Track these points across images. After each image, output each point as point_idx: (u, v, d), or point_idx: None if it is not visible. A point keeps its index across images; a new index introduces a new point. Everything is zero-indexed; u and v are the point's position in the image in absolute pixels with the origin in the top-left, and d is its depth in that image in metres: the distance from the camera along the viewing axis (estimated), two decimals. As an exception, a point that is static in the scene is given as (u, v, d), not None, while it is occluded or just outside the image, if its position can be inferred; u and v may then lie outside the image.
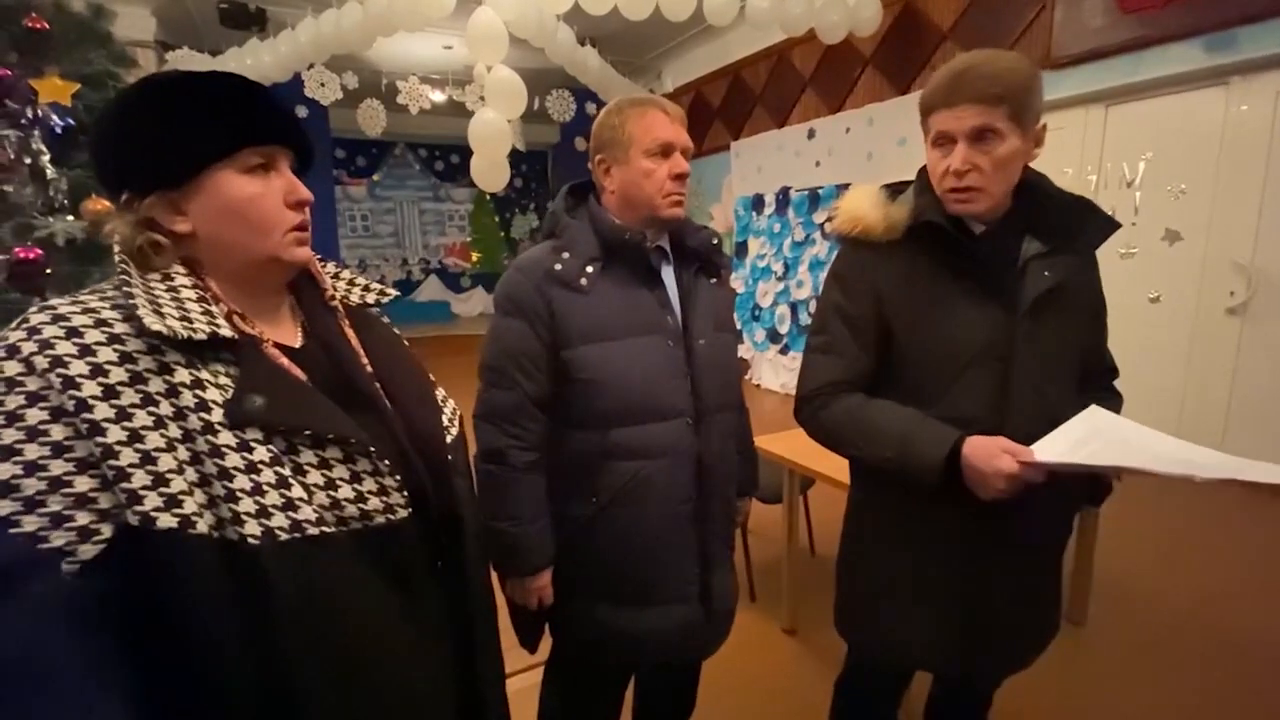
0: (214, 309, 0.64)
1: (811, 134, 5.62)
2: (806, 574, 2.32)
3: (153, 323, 0.58)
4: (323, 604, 0.62)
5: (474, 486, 0.87)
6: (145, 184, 0.65)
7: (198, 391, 0.60)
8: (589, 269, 1.12)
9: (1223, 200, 3.42)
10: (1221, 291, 3.45)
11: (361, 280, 0.86)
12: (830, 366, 1.12)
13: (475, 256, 11.25)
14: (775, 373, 5.97)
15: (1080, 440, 0.95)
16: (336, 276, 0.84)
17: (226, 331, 0.63)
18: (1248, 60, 3.21)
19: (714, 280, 1.26)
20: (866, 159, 5.08)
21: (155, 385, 0.58)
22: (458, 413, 0.88)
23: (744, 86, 6.46)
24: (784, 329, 5.93)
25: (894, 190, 1.11)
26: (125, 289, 0.60)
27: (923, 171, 1.08)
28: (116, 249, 0.64)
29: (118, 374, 0.57)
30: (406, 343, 0.88)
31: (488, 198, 10.82)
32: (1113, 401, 1.14)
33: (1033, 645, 1.18)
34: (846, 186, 5.19)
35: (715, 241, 1.24)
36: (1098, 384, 1.15)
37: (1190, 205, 3.55)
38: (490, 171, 4.55)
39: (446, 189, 10.90)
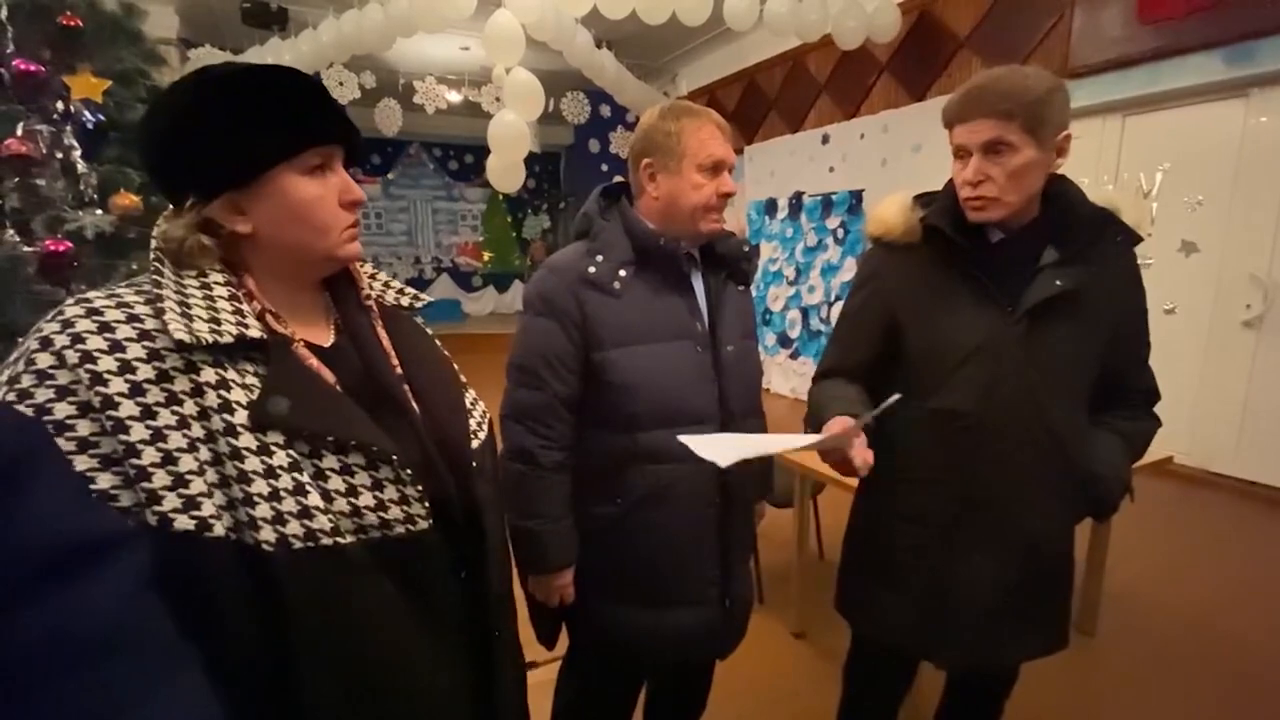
0: (245, 308, 0.64)
1: (826, 139, 5.62)
2: (816, 578, 2.32)
3: (177, 330, 0.57)
4: (337, 612, 0.62)
5: (498, 491, 0.87)
6: (213, 187, 0.64)
7: (222, 392, 0.59)
8: (622, 273, 1.13)
9: (1240, 212, 3.41)
10: (1237, 304, 3.44)
11: (397, 283, 0.85)
12: (828, 354, 1.26)
13: (487, 256, 11.30)
14: (785, 377, 5.96)
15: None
16: (374, 276, 0.83)
17: (255, 332, 0.62)
18: (1267, 73, 3.21)
19: (741, 288, 1.27)
20: (881, 165, 5.08)
21: (181, 384, 0.58)
22: (487, 415, 0.87)
23: (759, 91, 6.48)
24: (794, 334, 5.92)
25: (925, 199, 1.16)
26: (157, 288, 0.60)
27: (950, 181, 1.12)
28: (154, 245, 0.63)
29: (145, 371, 0.56)
30: (439, 343, 0.87)
31: (500, 198, 10.87)
32: (1143, 424, 1.16)
33: (1017, 646, 1.18)
34: (860, 192, 5.22)
35: (745, 249, 1.25)
36: (1128, 403, 1.16)
37: (1207, 217, 3.54)
38: (507, 173, 4.58)
39: (460, 188, 10.96)
